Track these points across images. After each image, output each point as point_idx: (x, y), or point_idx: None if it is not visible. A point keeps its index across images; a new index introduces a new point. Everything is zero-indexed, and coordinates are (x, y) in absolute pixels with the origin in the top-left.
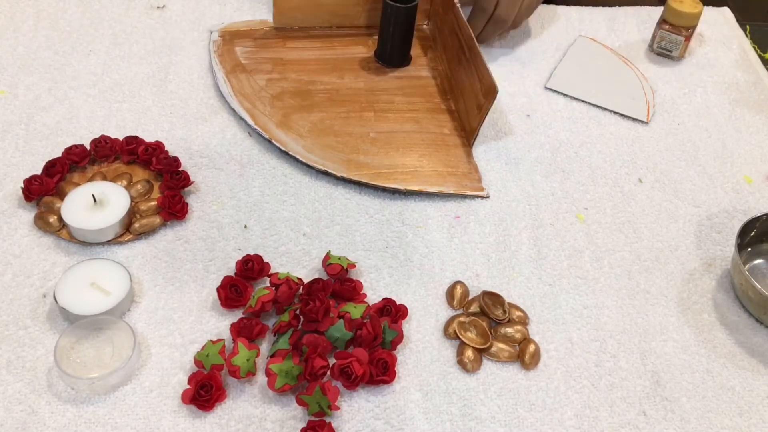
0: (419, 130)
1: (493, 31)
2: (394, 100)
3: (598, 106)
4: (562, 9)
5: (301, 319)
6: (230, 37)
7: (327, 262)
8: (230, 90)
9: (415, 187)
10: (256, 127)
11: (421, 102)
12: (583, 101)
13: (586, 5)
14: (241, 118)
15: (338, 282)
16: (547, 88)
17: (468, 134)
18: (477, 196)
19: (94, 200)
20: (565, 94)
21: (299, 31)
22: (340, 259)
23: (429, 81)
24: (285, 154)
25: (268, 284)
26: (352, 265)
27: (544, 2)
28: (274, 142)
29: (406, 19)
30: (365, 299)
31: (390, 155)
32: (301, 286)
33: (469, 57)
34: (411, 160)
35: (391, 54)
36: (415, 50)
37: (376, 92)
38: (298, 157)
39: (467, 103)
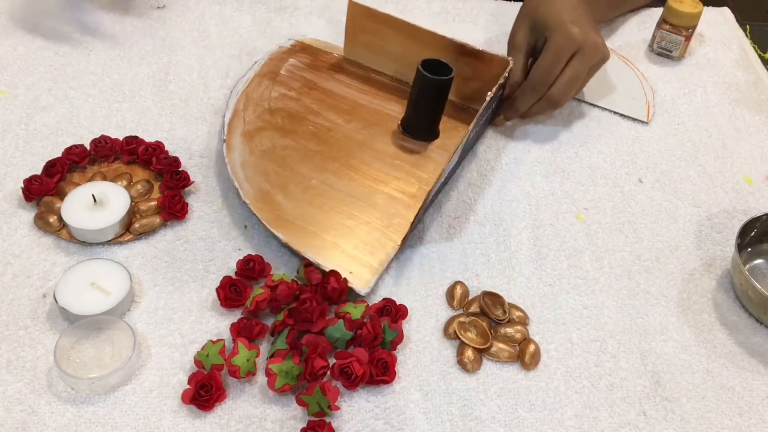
0: (365, 202)
1: (544, 109)
2: (371, 164)
3: (598, 106)
4: None
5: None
6: (298, 49)
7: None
8: (242, 87)
9: (296, 247)
10: (226, 125)
11: (401, 180)
12: (583, 101)
13: None
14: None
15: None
16: None
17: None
18: (352, 289)
19: (94, 200)
20: None
21: (362, 69)
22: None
23: (434, 163)
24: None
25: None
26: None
27: None
28: (223, 145)
29: (431, 91)
30: (365, 299)
31: (309, 208)
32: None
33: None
34: (324, 223)
35: (414, 123)
36: (457, 128)
37: (364, 149)
38: (228, 167)
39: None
